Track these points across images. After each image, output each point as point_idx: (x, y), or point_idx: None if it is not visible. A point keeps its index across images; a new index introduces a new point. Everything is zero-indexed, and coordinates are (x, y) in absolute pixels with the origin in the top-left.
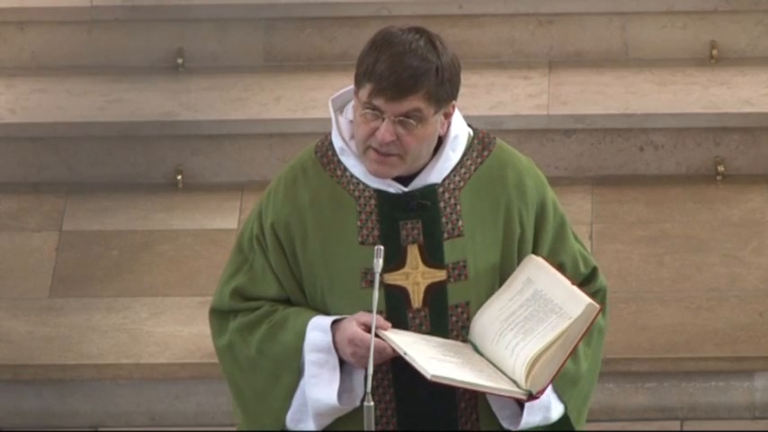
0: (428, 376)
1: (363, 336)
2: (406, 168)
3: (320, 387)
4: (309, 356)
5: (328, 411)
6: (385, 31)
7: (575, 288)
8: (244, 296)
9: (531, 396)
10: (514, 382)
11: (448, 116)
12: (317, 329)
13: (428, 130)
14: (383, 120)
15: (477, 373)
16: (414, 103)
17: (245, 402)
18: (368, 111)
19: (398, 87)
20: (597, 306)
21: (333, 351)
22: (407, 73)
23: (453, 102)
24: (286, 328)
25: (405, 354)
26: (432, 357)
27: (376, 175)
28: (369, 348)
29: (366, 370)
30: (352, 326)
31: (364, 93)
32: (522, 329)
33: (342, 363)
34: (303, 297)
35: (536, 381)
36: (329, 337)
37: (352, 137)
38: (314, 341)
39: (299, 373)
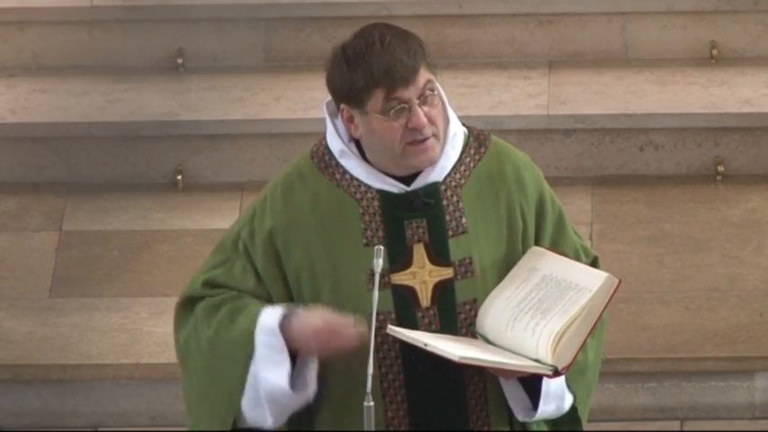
0: (456, 359)
1: (334, 319)
2: (440, 147)
3: (270, 368)
4: (259, 337)
5: (280, 397)
6: (348, 47)
7: (586, 266)
8: (215, 286)
9: (557, 372)
10: (537, 361)
11: None
12: (270, 313)
13: (440, 99)
14: (409, 110)
15: (499, 355)
16: (424, 75)
17: (201, 386)
18: (394, 108)
19: (407, 70)
20: (617, 279)
21: (279, 334)
22: (404, 55)
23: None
24: (244, 313)
25: (425, 345)
26: (453, 346)
27: (424, 165)
28: (336, 332)
29: (367, 369)
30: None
31: (377, 100)
32: (540, 310)
33: (294, 356)
34: (288, 302)
35: (561, 356)
36: (277, 319)
37: (351, 139)
38: (265, 322)
39: (251, 356)
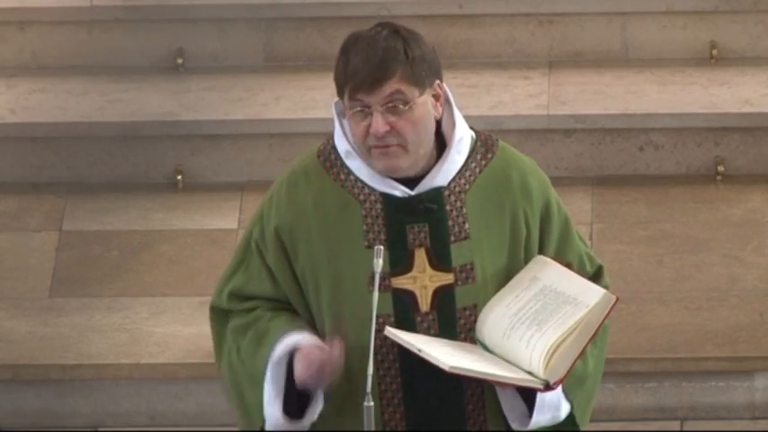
0: (446, 368)
1: (314, 352)
2: (413, 159)
3: (271, 402)
4: (269, 372)
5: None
6: (350, 35)
7: (586, 280)
8: (240, 297)
9: (548, 386)
10: (530, 373)
11: (438, 98)
12: (282, 345)
13: (419, 113)
14: (372, 114)
15: (492, 365)
16: (393, 86)
17: (240, 404)
18: (356, 109)
19: (372, 76)
20: (614, 296)
21: (285, 366)
22: (376, 61)
23: (438, 81)
24: (265, 342)
25: (419, 351)
26: (446, 353)
27: (387, 170)
28: (318, 365)
29: (367, 371)
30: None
31: (347, 96)
32: (535, 321)
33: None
34: (302, 299)
35: (554, 370)
36: (285, 359)
37: None
38: (276, 355)
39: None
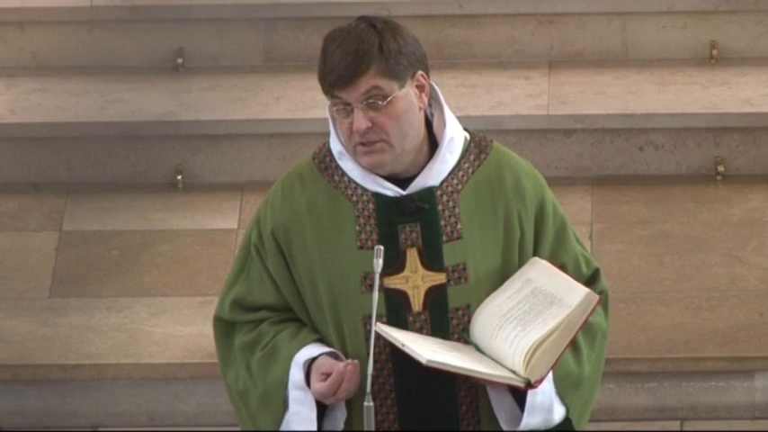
0: (423, 361)
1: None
2: (398, 153)
3: (300, 424)
4: (292, 393)
5: None
6: (329, 32)
7: (574, 281)
8: (243, 306)
9: (529, 385)
10: (514, 372)
11: (423, 88)
12: (297, 366)
13: (400, 107)
14: (352, 111)
15: (475, 362)
16: (369, 81)
17: (243, 419)
18: (337, 107)
19: (346, 73)
20: (596, 296)
21: (308, 390)
22: (350, 57)
23: (420, 72)
24: (276, 360)
25: (402, 345)
26: (430, 350)
27: (371, 167)
28: (334, 381)
29: (367, 371)
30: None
31: (328, 94)
32: (521, 322)
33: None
34: (302, 303)
35: (535, 369)
36: (303, 375)
37: None
38: (294, 379)
39: (284, 404)
